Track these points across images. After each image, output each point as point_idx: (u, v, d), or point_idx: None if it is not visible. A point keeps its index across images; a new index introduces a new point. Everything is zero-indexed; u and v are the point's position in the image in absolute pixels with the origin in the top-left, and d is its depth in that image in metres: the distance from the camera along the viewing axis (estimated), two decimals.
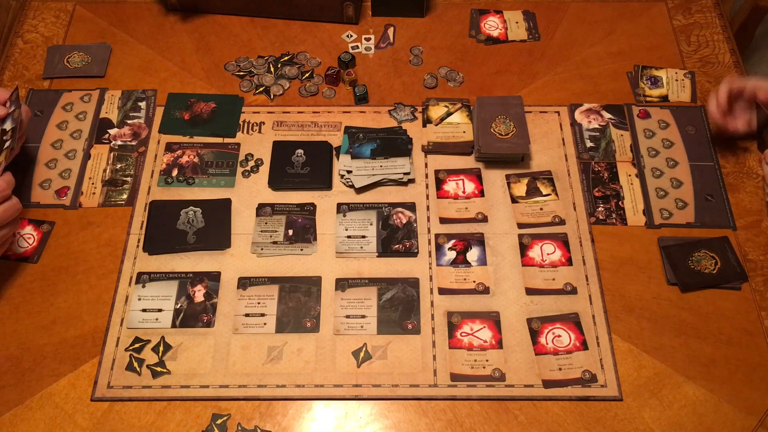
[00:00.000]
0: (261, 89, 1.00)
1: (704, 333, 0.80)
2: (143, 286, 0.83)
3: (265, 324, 0.80)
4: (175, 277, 0.83)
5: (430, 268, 0.84)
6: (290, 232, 0.87)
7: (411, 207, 0.89)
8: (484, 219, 0.88)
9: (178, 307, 0.81)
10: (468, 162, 0.93)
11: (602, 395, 0.76)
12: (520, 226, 0.88)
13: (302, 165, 0.92)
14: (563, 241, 0.86)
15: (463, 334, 0.80)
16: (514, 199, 0.90)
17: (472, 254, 0.85)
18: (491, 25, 1.07)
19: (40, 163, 0.93)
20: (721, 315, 0.81)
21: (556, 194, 0.90)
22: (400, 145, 0.93)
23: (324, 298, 0.82)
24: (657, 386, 0.76)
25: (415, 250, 0.85)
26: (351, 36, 1.06)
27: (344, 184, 0.91)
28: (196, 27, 1.07)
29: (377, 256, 0.85)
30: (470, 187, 0.91)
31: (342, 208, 0.89)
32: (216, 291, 0.83)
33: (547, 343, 0.79)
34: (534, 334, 0.80)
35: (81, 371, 0.77)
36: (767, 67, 1.16)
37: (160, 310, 0.81)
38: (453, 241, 0.86)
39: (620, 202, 0.89)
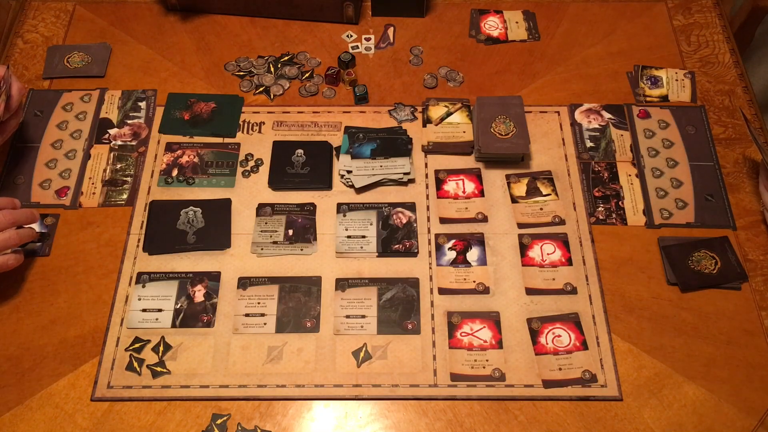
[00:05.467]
0: (261, 89, 1.00)
1: (704, 333, 0.80)
2: (143, 286, 0.83)
3: (265, 324, 0.80)
4: (175, 277, 0.83)
5: (430, 268, 0.84)
6: (290, 232, 0.87)
7: (411, 207, 0.89)
8: (484, 219, 0.88)
9: (178, 307, 0.81)
10: (468, 162, 0.93)
11: (602, 395, 0.76)
12: (520, 226, 0.88)
13: (302, 165, 0.92)
14: (563, 241, 0.86)
15: (463, 334, 0.80)
16: (514, 199, 0.90)
17: (472, 254, 0.85)
18: (491, 25, 1.07)
19: (40, 163, 0.93)
20: (721, 315, 0.81)
21: (556, 194, 0.90)
22: (400, 145, 0.93)
23: (324, 298, 0.82)
24: (657, 386, 0.76)
25: (415, 250, 0.85)
26: (351, 36, 1.06)
27: (344, 184, 0.91)
28: (196, 27, 1.07)
29: (377, 256, 0.85)
30: (470, 187, 0.91)
31: (342, 208, 0.89)
32: (216, 291, 0.83)
33: (547, 343, 0.79)
34: (534, 334, 0.80)
35: (81, 371, 0.77)
36: (767, 67, 1.16)
37: (160, 310, 0.81)
38: (453, 241, 0.86)
39: (620, 202, 0.89)
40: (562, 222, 0.88)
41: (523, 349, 0.79)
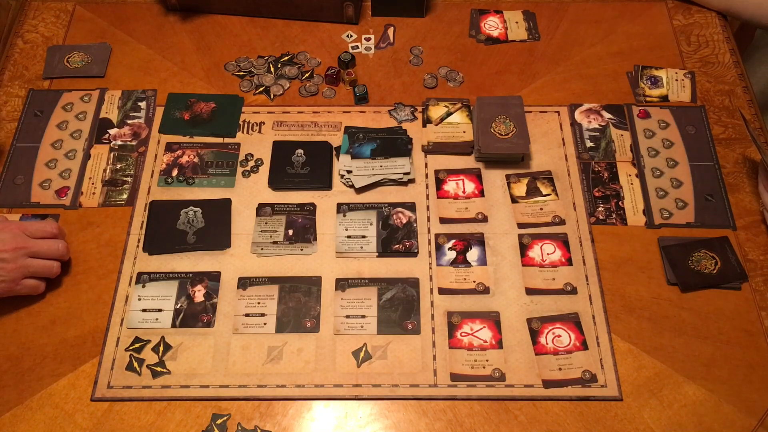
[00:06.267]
0: (261, 89, 1.00)
1: (704, 333, 0.80)
2: (143, 286, 0.83)
3: (265, 324, 0.80)
4: (175, 277, 0.83)
5: (430, 268, 0.84)
6: (290, 232, 0.87)
7: (411, 207, 0.89)
8: (484, 219, 0.88)
9: (178, 307, 0.81)
10: (468, 162, 0.93)
11: (602, 395, 0.76)
12: (520, 226, 0.88)
13: (302, 165, 0.92)
14: (563, 241, 0.86)
15: (463, 334, 0.80)
16: (514, 199, 0.90)
17: (472, 254, 0.85)
18: (491, 25, 1.07)
19: (40, 163, 0.93)
20: (721, 315, 0.81)
21: (556, 194, 0.90)
22: (400, 145, 0.93)
23: (324, 298, 0.82)
24: (657, 386, 0.76)
25: (415, 250, 0.85)
26: (351, 36, 1.06)
27: (344, 184, 0.91)
28: (196, 27, 1.07)
29: (377, 256, 0.85)
30: (470, 187, 0.91)
31: (342, 208, 0.89)
32: (216, 291, 0.83)
33: (547, 343, 0.79)
34: (534, 334, 0.80)
35: (81, 371, 0.77)
36: (767, 67, 1.16)
37: (160, 310, 0.81)
38: (453, 241, 0.86)
39: (620, 202, 0.89)
40: (562, 222, 0.88)
41: (523, 349, 0.79)
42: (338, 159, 0.93)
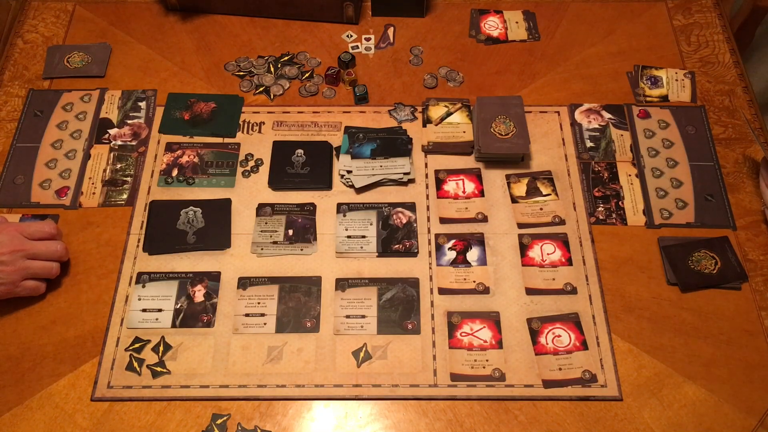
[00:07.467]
0: (261, 89, 1.00)
1: (704, 333, 0.80)
2: (143, 286, 0.83)
3: (265, 324, 0.80)
4: (175, 277, 0.83)
5: (430, 268, 0.84)
6: (290, 232, 0.87)
7: (411, 207, 0.89)
8: (484, 219, 0.88)
9: (178, 307, 0.81)
10: (468, 162, 0.93)
11: (602, 395, 0.76)
12: (520, 226, 0.88)
13: (302, 165, 0.92)
14: (563, 241, 0.86)
15: (463, 334, 0.80)
16: (514, 199, 0.90)
17: (472, 254, 0.85)
18: (491, 25, 1.07)
19: (40, 163, 0.93)
20: (721, 315, 0.81)
21: (556, 194, 0.90)
22: (400, 145, 0.93)
23: (324, 298, 0.82)
24: (657, 386, 0.76)
25: (415, 250, 0.85)
26: (351, 36, 1.06)
27: (344, 184, 0.91)
28: (196, 27, 1.07)
29: (377, 256, 0.85)
30: (470, 187, 0.91)
31: (342, 208, 0.89)
32: (216, 291, 0.83)
33: (547, 343, 0.79)
34: (534, 334, 0.80)
35: (81, 371, 0.77)
36: (767, 67, 1.16)
37: (160, 310, 0.81)
38: (453, 241, 0.86)
39: (620, 202, 0.89)
40: (562, 222, 0.88)
41: (523, 349, 0.79)
42: (338, 159, 0.93)
